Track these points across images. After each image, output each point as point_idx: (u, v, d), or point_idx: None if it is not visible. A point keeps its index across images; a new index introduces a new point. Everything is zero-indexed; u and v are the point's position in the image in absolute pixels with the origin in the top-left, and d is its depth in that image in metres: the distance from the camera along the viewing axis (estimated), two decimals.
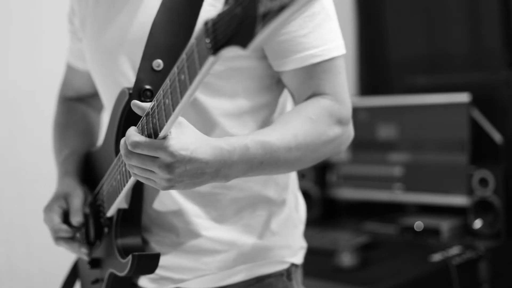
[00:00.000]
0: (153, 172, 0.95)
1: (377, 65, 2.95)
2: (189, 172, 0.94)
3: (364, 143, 2.70)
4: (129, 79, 1.16)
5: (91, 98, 1.46)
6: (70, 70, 1.46)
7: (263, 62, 1.15)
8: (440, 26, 2.72)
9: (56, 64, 1.89)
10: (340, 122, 1.11)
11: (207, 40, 0.75)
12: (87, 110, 1.46)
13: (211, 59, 0.76)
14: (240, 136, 1.01)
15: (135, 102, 0.97)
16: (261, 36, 0.68)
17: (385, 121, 2.65)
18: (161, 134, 0.91)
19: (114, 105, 1.16)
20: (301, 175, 2.70)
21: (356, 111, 2.72)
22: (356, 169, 2.73)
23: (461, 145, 2.42)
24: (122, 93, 1.13)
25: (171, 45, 1.05)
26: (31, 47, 2.12)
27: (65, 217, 1.26)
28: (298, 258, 1.26)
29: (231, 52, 0.73)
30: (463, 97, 2.42)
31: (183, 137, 0.93)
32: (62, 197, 1.27)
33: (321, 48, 1.10)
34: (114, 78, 1.20)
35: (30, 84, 2.11)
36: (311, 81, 1.11)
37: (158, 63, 1.06)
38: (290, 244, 1.24)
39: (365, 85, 3.00)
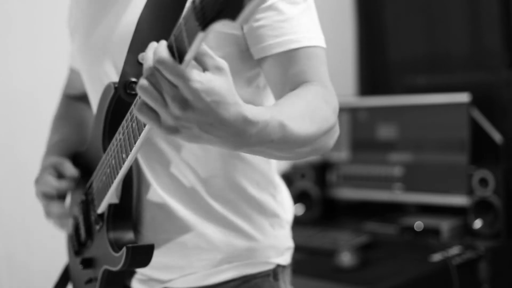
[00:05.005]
0: (164, 103, 0.84)
1: (377, 65, 2.95)
2: (201, 121, 0.84)
3: (364, 143, 2.70)
4: (114, 78, 1.17)
5: None
6: (72, 72, 1.48)
7: (245, 64, 1.14)
8: (440, 26, 2.72)
9: (55, 64, 1.89)
10: (335, 111, 1.06)
11: (196, 17, 0.75)
12: (85, 107, 1.47)
13: (200, 35, 0.75)
14: (264, 109, 0.92)
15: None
16: (250, 7, 0.68)
17: (385, 121, 2.65)
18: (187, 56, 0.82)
19: (100, 101, 1.16)
20: (301, 175, 2.71)
21: (356, 111, 2.75)
22: (356, 169, 2.73)
23: (461, 145, 2.42)
24: (107, 88, 1.13)
25: (157, 39, 1.05)
26: (31, 47, 2.12)
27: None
28: (285, 258, 1.26)
29: (220, 26, 0.72)
30: (463, 97, 2.42)
31: (214, 83, 0.83)
32: (49, 166, 1.29)
33: (302, 35, 1.07)
34: (100, 78, 1.20)
35: (30, 84, 2.11)
36: (295, 67, 1.07)
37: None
38: (276, 245, 1.24)
39: (365, 85, 3.00)
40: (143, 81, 0.84)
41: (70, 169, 1.27)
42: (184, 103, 0.82)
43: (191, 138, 0.88)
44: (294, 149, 1.00)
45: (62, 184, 1.26)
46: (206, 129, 0.85)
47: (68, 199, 1.33)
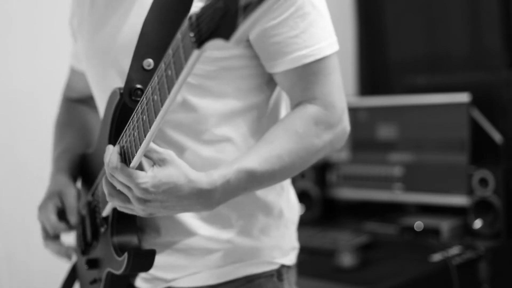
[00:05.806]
0: (129, 200, 1.00)
1: (377, 65, 2.95)
2: (164, 205, 0.99)
3: (364, 143, 2.70)
4: (120, 80, 1.17)
5: (92, 100, 1.46)
6: (73, 73, 1.48)
7: (253, 61, 1.15)
8: (440, 26, 2.72)
9: (55, 64, 1.89)
10: (330, 127, 1.12)
11: (191, 34, 0.76)
12: (87, 110, 1.47)
13: (196, 52, 0.77)
14: (225, 167, 1.03)
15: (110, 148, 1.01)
16: (243, 28, 0.70)
17: (385, 121, 2.65)
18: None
19: (106, 106, 1.17)
20: (301, 175, 2.70)
21: (356, 111, 2.75)
22: (356, 169, 2.73)
23: (461, 145, 2.42)
24: (113, 94, 1.14)
25: (162, 45, 1.05)
26: (31, 48, 2.12)
27: (59, 215, 1.29)
28: (290, 259, 1.26)
29: (215, 45, 0.74)
30: (463, 97, 2.42)
31: (159, 176, 0.96)
32: (56, 195, 1.30)
33: (313, 48, 1.10)
34: (106, 79, 1.20)
35: (30, 85, 2.11)
36: (301, 83, 1.12)
37: (149, 63, 1.06)
38: (280, 245, 1.24)
39: (365, 85, 3.00)
40: (109, 191, 1.01)
41: (73, 215, 1.28)
42: (141, 200, 0.98)
43: (168, 214, 1.05)
44: (280, 179, 1.14)
45: (60, 227, 1.28)
46: (172, 208, 1.00)
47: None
